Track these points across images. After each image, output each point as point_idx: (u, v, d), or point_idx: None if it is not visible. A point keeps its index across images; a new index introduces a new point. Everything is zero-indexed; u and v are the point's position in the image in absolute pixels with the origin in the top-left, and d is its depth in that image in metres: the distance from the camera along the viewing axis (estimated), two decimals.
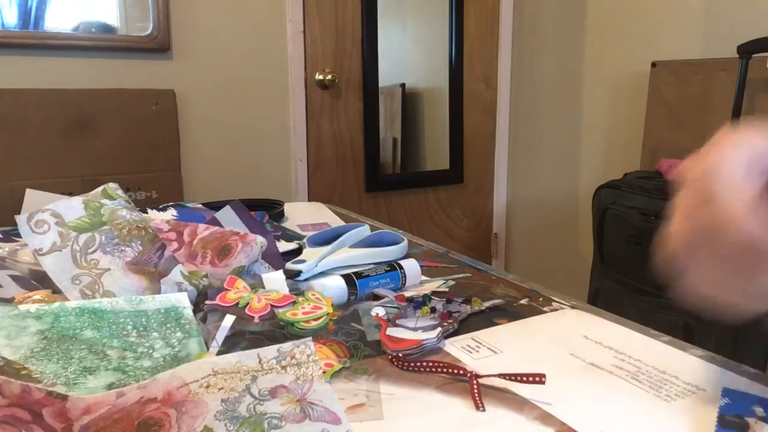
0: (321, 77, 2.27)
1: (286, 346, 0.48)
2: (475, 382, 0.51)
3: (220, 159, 2.14)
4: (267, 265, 0.77)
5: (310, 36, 2.23)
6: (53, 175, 1.83)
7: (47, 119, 1.80)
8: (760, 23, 1.73)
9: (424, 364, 0.54)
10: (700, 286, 0.41)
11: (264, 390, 0.44)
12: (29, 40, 1.79)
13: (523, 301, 0.73)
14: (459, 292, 0.75)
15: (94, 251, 0.68)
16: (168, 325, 0.58)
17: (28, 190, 1.00)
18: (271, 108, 2.21)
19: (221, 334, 0.57)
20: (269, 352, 0.47)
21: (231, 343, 0.59)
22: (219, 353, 0.55)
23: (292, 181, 2.30)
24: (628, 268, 1.53)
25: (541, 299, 0.73)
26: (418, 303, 0.67)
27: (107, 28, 1.91)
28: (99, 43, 1.88)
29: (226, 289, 0.65)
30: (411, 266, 0.78)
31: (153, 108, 1.95)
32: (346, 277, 0.72)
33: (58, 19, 1.83)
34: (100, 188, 0.75)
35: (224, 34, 2.08)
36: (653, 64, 1.98)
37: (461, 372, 0.53)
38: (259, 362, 0.46)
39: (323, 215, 1.24)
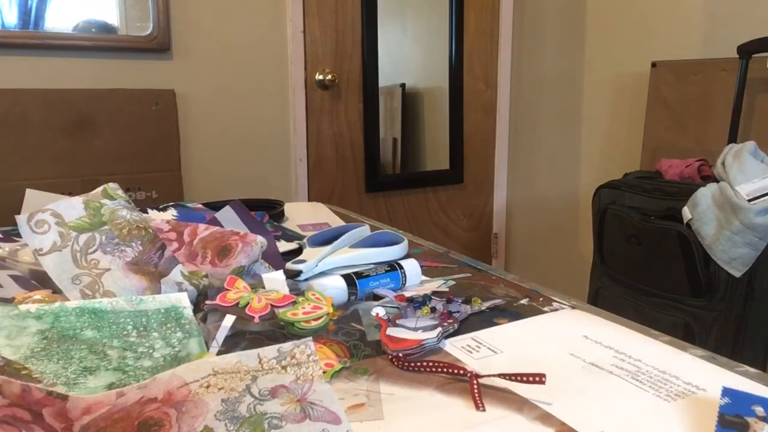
0: (321, 77, 2.27)
1: (287, 346, 0.48)
2: (475, 382, 0.51)
3: (220, 159, 2.14)
4: (267, 265, 0.77)
5: (310, 36, 2.23)
6: (53, 175, 1.83)
7: (47, 119, 1.80)
8: (760, 23, 1.73)
9: (424, 364, 0.54)
10: None
11: (264, 390, 0.44)
12: (29, 40, 1.79)
13: (523, 301, 0.73)
14: (459, 292, 0.75)
15: (95, 251, 0.68)
16: (168, 325, 0.58)
17: (28, 190, 0.99)
18: (271, 108, 2.21)
19: (221, 334, 0.57)
20: (269, 352, 0.47)
21: (231, 343, 0.59)
22: (219, 353, 0.55)
23: (292, 181, 2.30)
24: (628, 268, 1.53)
25: (541, 299, 0.73)
26: (418, 303, 0.67)
27: (107, 28, 1.91)
28: (99, 43, 1.88)
29: (226, 289, 0.65)
30: (411, 266, 0.78)
31: (153, 108, 1.95)
32: (346, 277, 0.72)
33: (58, 19, 1.83)
34: (100, 188, 0.75)
35: (224, 34, 2.08)
36: (653, 64, 1.98)
37: (461, 372, 0.53)
38: (259, 362, 0.46)
39: (323, 215, 1.24)
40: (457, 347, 0.59)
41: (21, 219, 0.68)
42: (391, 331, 0.59)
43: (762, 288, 1.30)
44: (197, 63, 2.05)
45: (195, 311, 0.62)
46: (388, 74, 2.47)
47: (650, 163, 1.97)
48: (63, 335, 0.54)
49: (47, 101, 1.80)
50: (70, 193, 0.78)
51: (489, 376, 0.52)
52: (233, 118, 2.14)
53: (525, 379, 0.50)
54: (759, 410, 0.43)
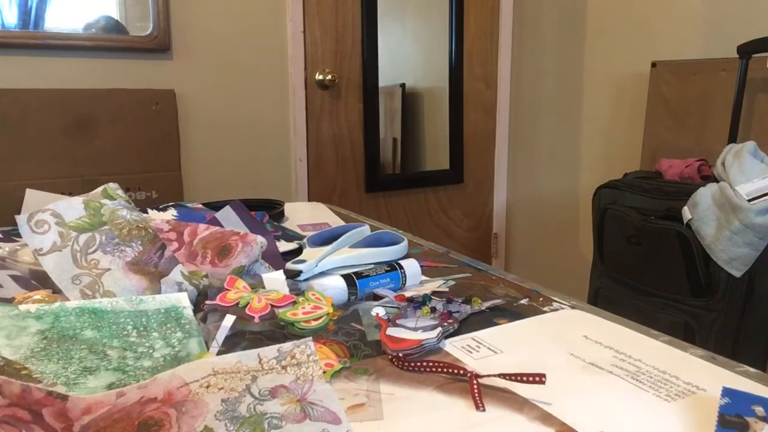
0: (321, 77, 2.27)
1: (286, 346, 0.48)
2: (475, 382, 0.51)
3: (220, 159, 2.14)
4: (267, 265, 0.77)
5: (310, 36, 2.23)
6: (53, 175, 1.83)
7: (47, 119, 1.80)
8: (760, 23, 1.73)
9: (424, 364, 0.54)
10: None
11: (264, 390, 0.44)
12: (29, 40, 1.79)
13: (523, 301, 0.73)
14: (459, 292, 0.75)
15: (95, 251, 0.68)
16: (168, 325, 0.58)
17: (28, 190, 1.00)
18: (271, 108, 2.21)
19: (221, 334, 0.57)
20: (269, 352, 0.47)
21: (231, 343, 0.59)
22: (219, 353, 0.55)
23: (292, 181, 2.30)
24: (628, 268, 1.53)
25: (541, 299, 0.73)
26: (418, 303, 0.67)
27: (107, 28, 1.91)
28: (99, 43, 1.88)
29: (226, 289, 0.65)
30: (411, 266, 0.78)
31: (153, 108, 1.95)
32: (346, 277, 0.72)
33: (58, 19, 1.83)
34: (100, 188, 0.75)
35: (224, 34, 2.08)
36: (653, 64, 1.98)
37: (461, 372, 0.53)
38: (259, 362, 0.46)
39: (323, 215, 1.24)
40: (457, 347, 0.59)
41: (21, 219, 0.68)
42: (391, 331, 0.59)
43: (762, 288, 1.30)
44: (197, 63, 2.05)
45: (195, 311, 0.62)
46: (388, 74, 2.47)
47: (650, 163, 1.96)
48: (63, 335, 0.54)
49: (47, 101, 1.80)
50: (70, 193, 0.78)
51: (489, 376, 0.52)
52: (233, 119, 2.14)
53: (525, 379, 0.50)
54: (759, 410, 0.43)
